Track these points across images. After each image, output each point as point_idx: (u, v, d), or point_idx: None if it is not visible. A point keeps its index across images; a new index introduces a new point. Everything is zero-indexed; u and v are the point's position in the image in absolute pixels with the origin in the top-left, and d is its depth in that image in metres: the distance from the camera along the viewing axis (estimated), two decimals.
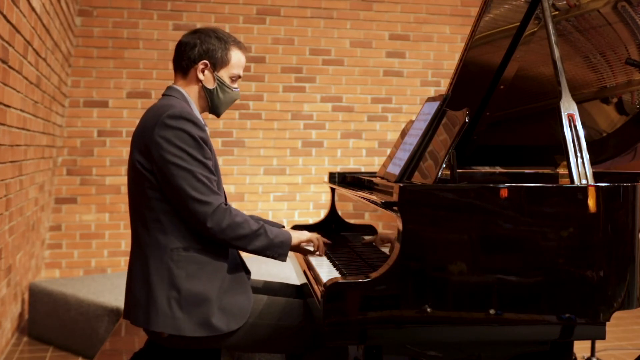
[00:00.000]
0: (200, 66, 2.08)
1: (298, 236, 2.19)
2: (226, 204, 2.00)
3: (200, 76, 2.09)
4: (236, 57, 2.12)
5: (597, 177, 1.99)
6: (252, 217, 2.37)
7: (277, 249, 2.05)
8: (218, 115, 2.18)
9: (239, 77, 2.15)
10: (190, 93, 2.10)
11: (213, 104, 2.13)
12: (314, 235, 2.25)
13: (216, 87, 2.10)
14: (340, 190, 2.69)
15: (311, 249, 2.26)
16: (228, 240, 1.97)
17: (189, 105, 2.08)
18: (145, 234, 1.98)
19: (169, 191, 1.94)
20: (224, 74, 2.11)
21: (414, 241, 1.77)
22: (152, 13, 5.02)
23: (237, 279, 2.04)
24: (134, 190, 2.03)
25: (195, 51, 2.07)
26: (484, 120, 2.72)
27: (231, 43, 2.11)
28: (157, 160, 1.93)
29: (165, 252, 1.94)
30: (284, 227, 2.31)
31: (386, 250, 2.03)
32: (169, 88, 2.12)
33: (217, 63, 2.09)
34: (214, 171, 2.01)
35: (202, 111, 2.15)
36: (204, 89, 2.10)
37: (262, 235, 2.01)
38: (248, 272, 2.16)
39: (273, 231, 2.06)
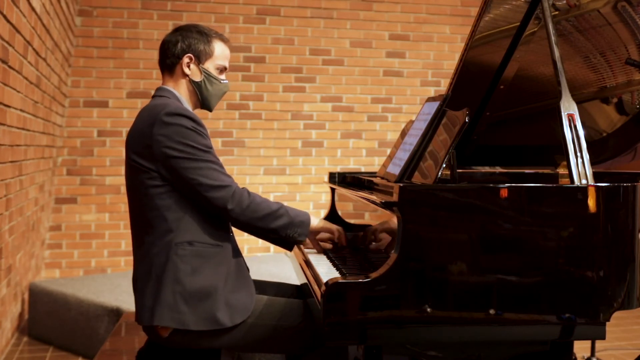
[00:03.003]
0: (185, 60, 2.08)
1: (319, 222, 2.17)
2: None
3: (187, 70, 2.09)
4: (220, 49, 2.13)
5: (597, 177, 1.99)
6: None
7: (297, 228, 2.06)
8: (210, 109, 2.18)
9: (225, 68, 2.15)
10: (180, 90, 2.11)
11: (203, 96, 2.13)
12: (334, 227, 2.21)
13: (203, 79, 2.11)
14: (340, 190, 2.69)
15: (329, 246, 2.23)
16: (250, 220, 1.99)
17: (182, 104, 2.08)
18: (149, 231, 1.98)
19: (182, 186, 1.95)
20: (210, 66, 2.11)
21: (414, 241, 1.77)
22: (152, 13, 5.02)
23: (241, 273, 2.05)
24: (135, 191, 2.03)
25: (178, 47, 2.08)
26: (484, 120, 2.71)
27: (213, 36, 2.13)
28: (160, 158, 1.93)
29: (170, 248, 1.95)
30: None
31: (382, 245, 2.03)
32: (159, 89, 2.12)
33: (201, 55, 2.10)
34: None
35: (194, 108, 2.16)
36: (191, 82, 2.11)
37: (283, 215, 2.03)
38: (247, 270, 2.17)
39: (293, 210, 2.08)
